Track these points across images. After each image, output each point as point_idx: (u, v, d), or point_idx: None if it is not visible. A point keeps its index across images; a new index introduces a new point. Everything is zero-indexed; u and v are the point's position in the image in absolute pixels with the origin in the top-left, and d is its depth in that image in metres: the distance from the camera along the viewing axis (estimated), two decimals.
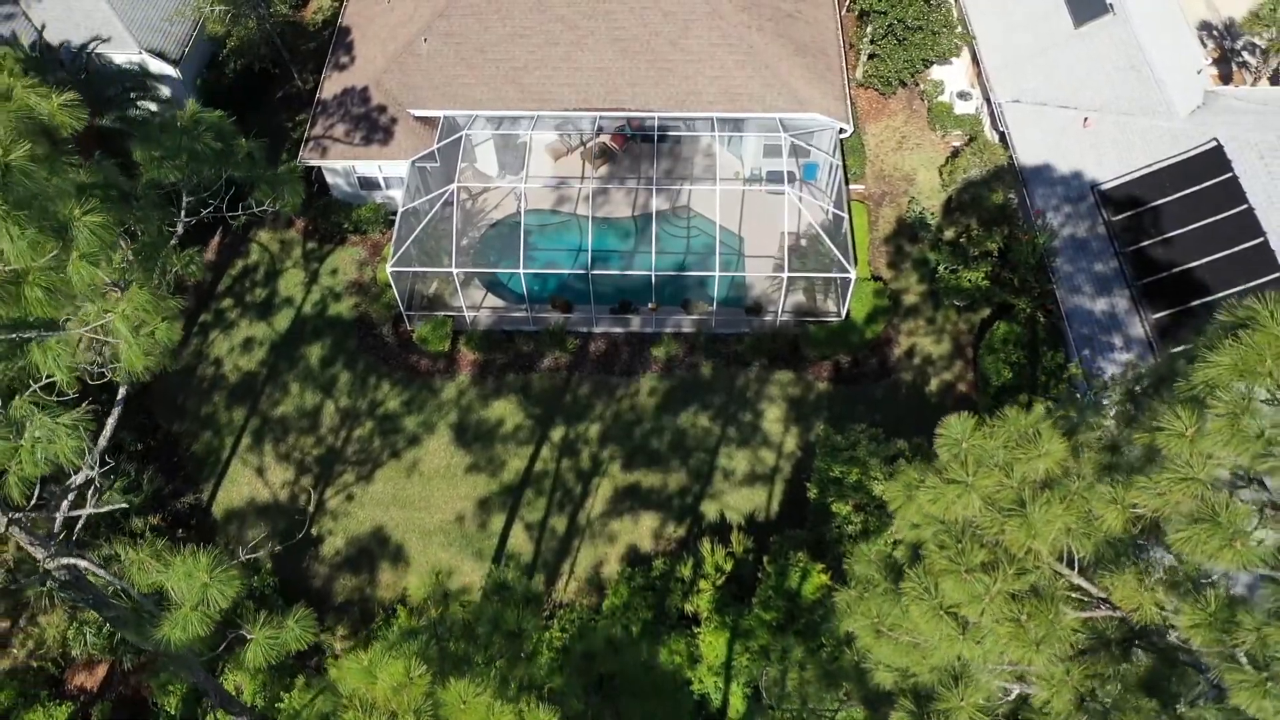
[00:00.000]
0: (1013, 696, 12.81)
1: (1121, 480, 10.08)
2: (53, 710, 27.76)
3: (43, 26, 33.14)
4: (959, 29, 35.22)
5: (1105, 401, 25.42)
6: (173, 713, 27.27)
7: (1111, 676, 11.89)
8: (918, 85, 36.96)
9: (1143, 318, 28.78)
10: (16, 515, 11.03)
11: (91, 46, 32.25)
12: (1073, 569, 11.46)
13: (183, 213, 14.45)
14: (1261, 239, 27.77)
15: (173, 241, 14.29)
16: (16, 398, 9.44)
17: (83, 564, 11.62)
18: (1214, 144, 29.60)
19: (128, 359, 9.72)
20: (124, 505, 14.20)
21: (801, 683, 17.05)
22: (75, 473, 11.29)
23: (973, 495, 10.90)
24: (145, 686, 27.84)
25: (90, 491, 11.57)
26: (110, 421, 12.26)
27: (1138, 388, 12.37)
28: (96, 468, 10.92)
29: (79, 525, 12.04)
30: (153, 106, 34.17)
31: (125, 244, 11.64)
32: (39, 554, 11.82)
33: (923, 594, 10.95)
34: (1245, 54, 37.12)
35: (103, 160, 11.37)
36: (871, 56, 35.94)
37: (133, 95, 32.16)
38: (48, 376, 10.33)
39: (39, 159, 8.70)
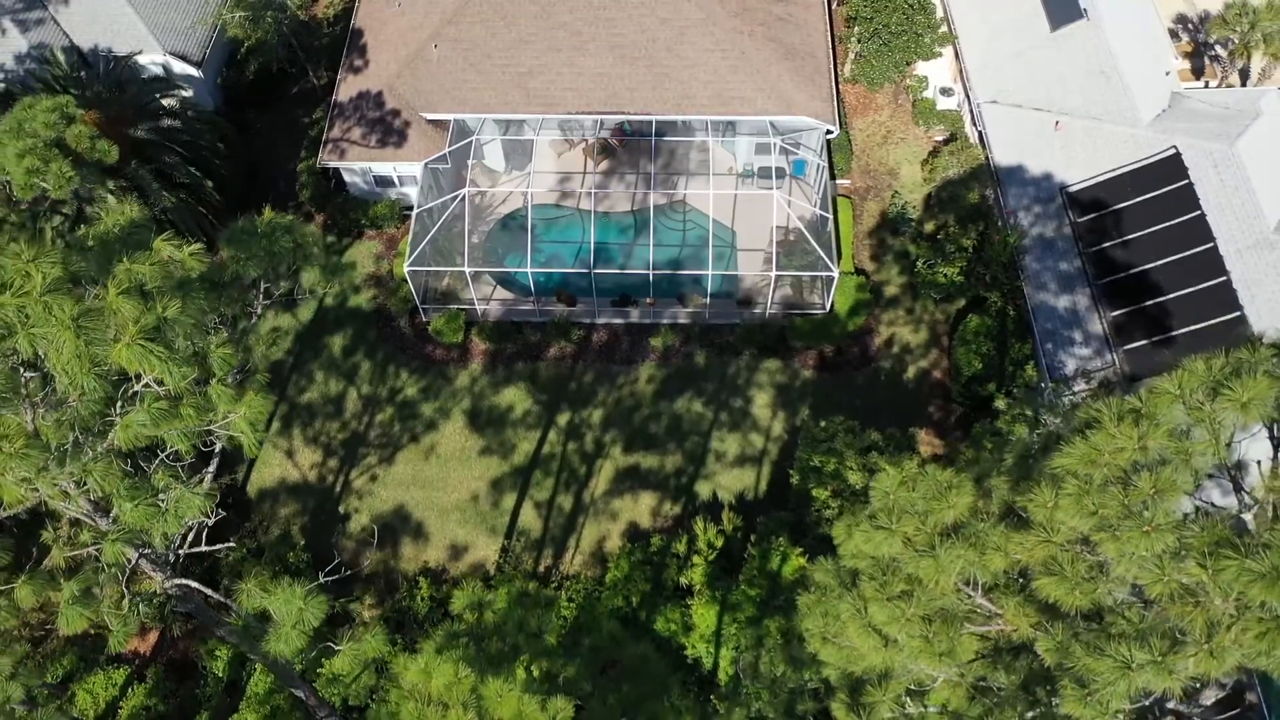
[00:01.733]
0: (939, 682, 16.33)
1: (1005, 533, 13.43)
2: (112, 673, 31.68)
3: (72, 45, 35.75)
4: (942, 29, 37.73)
5: (1063, 399, 28.81)
6: (220, 675, 31.12)
7: (1018, 669, 15.38)
8: (903, 79, 39.55)
9: (1101, 315, 31.94)
10: (146, 551, 14.39)
11: (127, 58, 34.84)
12: (977, 591, 14.88)
13: (260, 297, 17.62)
14: (1211, 244, 30.81)
15: (253, 320, 17.47)
16: (159, 473, 12.73)
17: (193, 584, 15.02)
18: (1173, 151, 32.45)
19: (248, 447, 13.06)
20: (231, 546, 17.49)
21: (772, 665, 20.70)
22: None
23: (896, 538, 14.27)
24: (194, 651, 31.62)
25: (204, 532, 14.91)
26: (209, 473, 15.53)
27: (1028, 451, 15.57)
28: (212, 516, 14.20)
29: (183, 552, 15.43)
30: (175, 104, 36.90)
31: (217, 322, 14.68)
32: (158, 576, 15.20)
33: (856, 614, 14.37)
34: (1219, 47, 39.57)
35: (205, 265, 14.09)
36: (859, 56, 38.52)
37: (157, 94, 34.76)
38: (172, 446, 13.63)
39: (183, 298, 11.85)
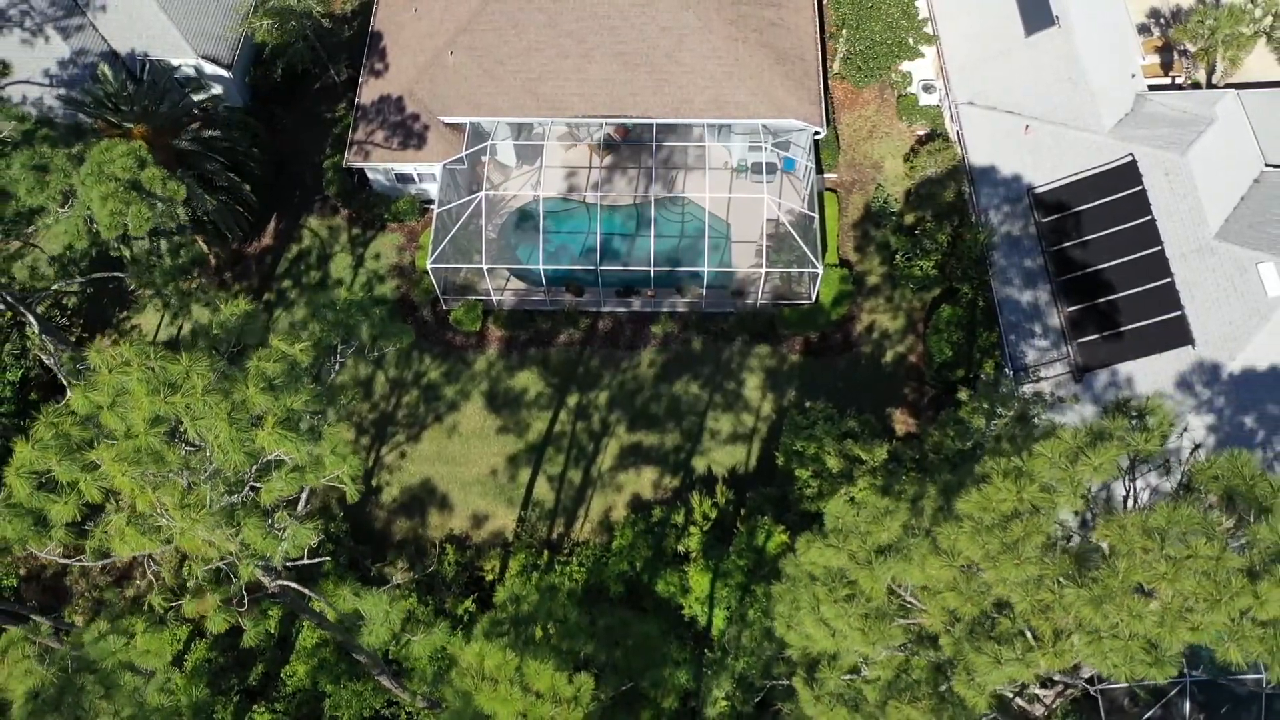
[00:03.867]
0: (882, 657, 21.25)
1: (924, 555, 18.18)
2: (176, 630, 36.85)
3: (112, 52, 39.55)
4: (925, 28, 41.39)
5: (1015, 395, 33.32)
6: (272, 631, 36.26)
7: (942, 648, 20.26)
8: (889, 72, 43.30)
9: (1059, 310, 36.36)
10: (260, 563, 19.11)
11: (171, 70, 38.67)
12: (907, 592, 19.71)
13: (338, 356, 22.12)
14: (1159, 248, 35.12)
15: (332, 377, 21.96)
16: (280, 511, 17.41)
17: (292, 585, 19.79)
18: (1130, 159, 36.56)
19: (350, 496, 17.72)
20: (326, 559, 22.23)
21: (752, 638, 25.69)
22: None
23: (843, 554, 19.06)
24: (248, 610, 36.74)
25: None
26: (303, 499, 20.16)
27: (949, 488, 20.22)
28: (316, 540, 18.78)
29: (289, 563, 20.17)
30: (209, 104, 40.90)
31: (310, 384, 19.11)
32: (266, 579, 19.95)
33: (811, 610, 19.22)
34: (1188, 43, 43.20)
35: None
36: (847, 56, 42.29)
37: (197, 105, 38.75)
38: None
39: (299, 387, 16.34)
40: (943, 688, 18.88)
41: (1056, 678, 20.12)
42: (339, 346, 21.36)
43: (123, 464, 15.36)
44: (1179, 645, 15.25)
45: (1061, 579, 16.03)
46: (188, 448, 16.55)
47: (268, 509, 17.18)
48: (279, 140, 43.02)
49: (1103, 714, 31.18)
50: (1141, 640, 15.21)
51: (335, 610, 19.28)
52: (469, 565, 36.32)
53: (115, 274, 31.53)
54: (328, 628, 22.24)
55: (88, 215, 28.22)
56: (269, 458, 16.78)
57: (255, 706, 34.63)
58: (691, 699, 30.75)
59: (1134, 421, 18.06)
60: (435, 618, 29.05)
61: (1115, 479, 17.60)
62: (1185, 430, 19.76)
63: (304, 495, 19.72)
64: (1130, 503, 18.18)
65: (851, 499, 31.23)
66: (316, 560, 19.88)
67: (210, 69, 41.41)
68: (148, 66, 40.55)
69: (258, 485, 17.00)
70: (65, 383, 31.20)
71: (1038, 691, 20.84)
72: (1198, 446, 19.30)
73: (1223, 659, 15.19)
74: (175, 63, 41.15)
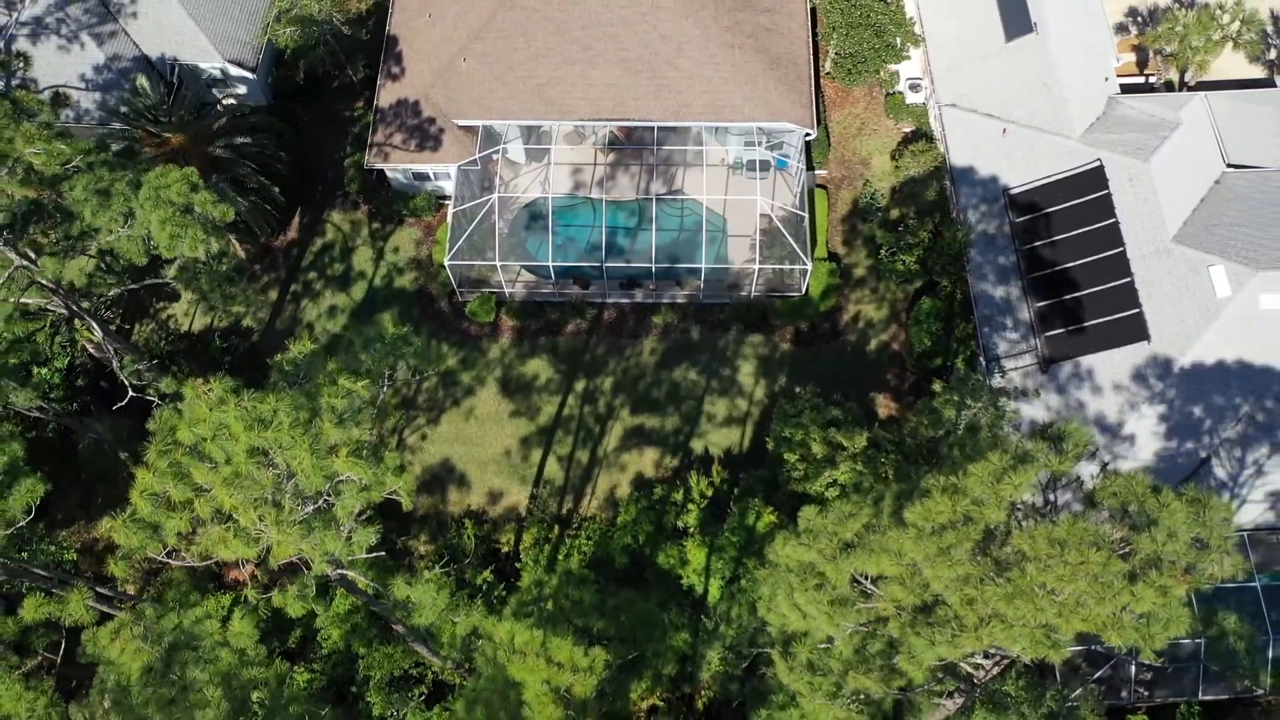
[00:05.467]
0: (849, 633, 25.76)
1: (879, 552, 22.60)
2: (219, 598, 41.53)
3: (143, 57, 43.21)
4: (913, 29, 44.94)
5: (983, 390, 37.41)
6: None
7: (897, 626, 24.74)
8: (877, 73, 46.95)
9: (1029, 305, 40.49)
10: (328, 557, 23.49)
11: (206, 79, 42.35)
12: (867, 580, 24.20)
13: (385, 382, 26.37)
14: (1121, 249, 39.14)
15: (381, 398, 26.19)
16: (346, 517, 21.80)
17: (349, 574, 24.22)
18: (1097, 164, 40.42)
19: (406, 503, 22.08)
20: (382, 554, 26.61)
21: (740, 612, 30.26)
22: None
23: (813, 550, 23.50)
24: (283, 580, 41.38)
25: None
26: (356, 508, 24.49)
27: (902, 493, 24.53)
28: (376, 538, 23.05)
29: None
30: (234, 103, 44.68)
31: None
32: (329, 569, 24.37)
33: (786, 596, 23.70)
34: (1162, 44, 46.69)
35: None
36: (838, 57, 45.93)
37: (228, 114, 42.56)
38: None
39: (362, 417, 20.60)
40: (894, 660, 23.43)
41: (993, 652, 24.64)
42: (388, 373, 25.59)
43: (229, 488, 19.60)
44: (1072, 632, 19.70)
45: (984, 578, 20.45)
46: (272, 469, 20.79)
47: (338, 519, 21.53)
48: (301, 138, 46.79)
49: (1058, 676, 35.88)
50: (1043, 628, 19.66)
51: (387, 595, 23.76)
52: (486, 538, 40.87)
53: (163, 281, 35.58)
54: (374, 605, 26.78)
55: (145, 235, 32.20)
56: (340, 479, 21.07)
57: (295, 667, 39.41)
58: (688, 662, 35.47)
59: (1054, 445, 22.34)
60: (457, 588, 33.55)
61: (1034, 495, 21.93)
62: (1095, 451, 23.95)
63: (357, 505, 24.11)
64: (1046, 514, 22.53)
65: (834, 482, 35.88)
66: (374, 555, 24.26)
67: (235, 71, 45.09)
68: (177, 70, 44.22)
69: (331, 500, 21.32)
70: (126, 384, 35.41)
71: (980, 661, 25.39)
72: (1106, 465, 23.62)
73: (1107, 643, 19.64)
74: (203, 66, 44.81)
